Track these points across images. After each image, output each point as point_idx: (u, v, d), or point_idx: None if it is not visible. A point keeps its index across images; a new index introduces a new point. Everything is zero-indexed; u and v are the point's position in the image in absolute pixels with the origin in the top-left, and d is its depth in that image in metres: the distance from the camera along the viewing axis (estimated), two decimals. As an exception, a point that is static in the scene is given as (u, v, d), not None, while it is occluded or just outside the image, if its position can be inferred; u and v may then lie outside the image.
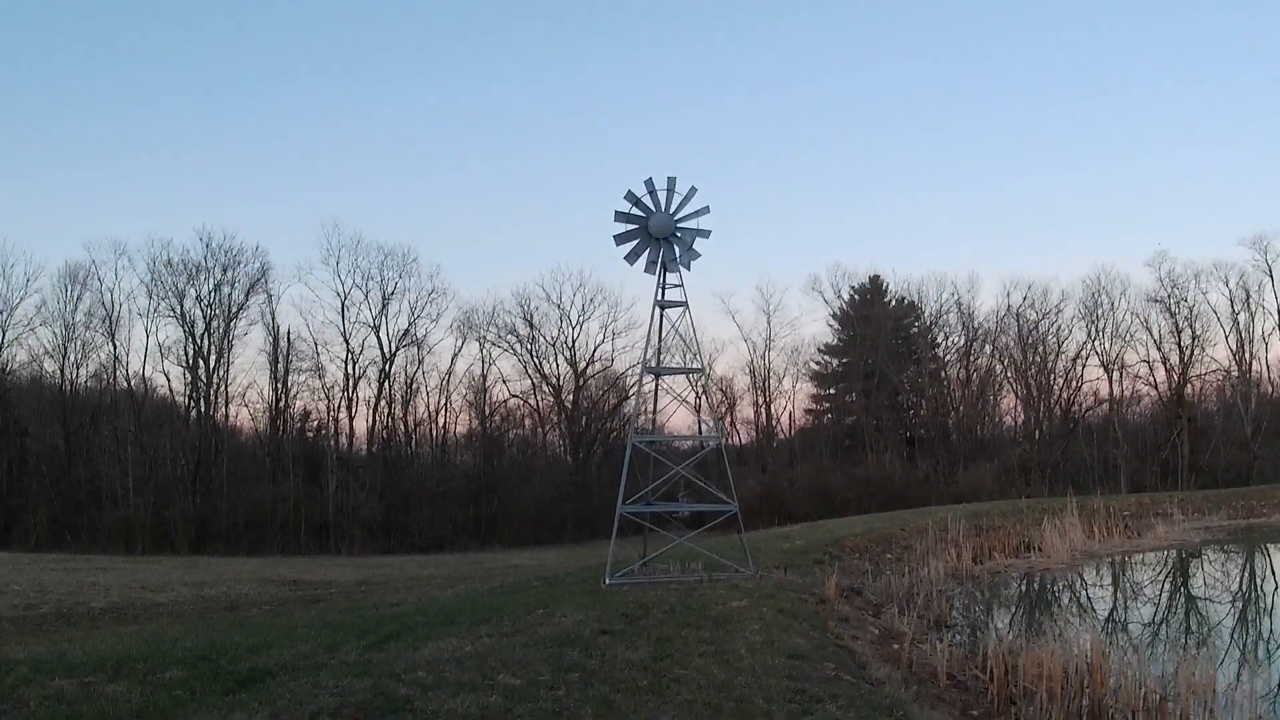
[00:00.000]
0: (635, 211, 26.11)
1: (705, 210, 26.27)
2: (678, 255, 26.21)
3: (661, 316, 26.66)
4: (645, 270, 26.19)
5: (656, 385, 28.48)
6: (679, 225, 26.12)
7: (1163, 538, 45.41)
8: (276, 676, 13.56)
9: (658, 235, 26.03)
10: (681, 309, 26.63)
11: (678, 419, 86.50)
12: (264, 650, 16.14)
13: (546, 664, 14.47)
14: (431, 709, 11.62)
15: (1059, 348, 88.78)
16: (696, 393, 76.14)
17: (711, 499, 27.83)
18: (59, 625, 23.33)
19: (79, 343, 77.67)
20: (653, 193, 26.10)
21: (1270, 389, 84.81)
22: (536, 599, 23.19)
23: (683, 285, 26.60)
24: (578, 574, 30.61)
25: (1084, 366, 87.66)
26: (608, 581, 25.17)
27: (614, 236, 26.23)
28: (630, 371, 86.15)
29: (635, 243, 26.21)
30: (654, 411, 28.85)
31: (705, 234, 26.35)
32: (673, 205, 26.06)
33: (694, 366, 27.76)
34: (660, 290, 26.44)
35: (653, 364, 27.02)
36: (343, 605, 26.92)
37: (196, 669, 14.23)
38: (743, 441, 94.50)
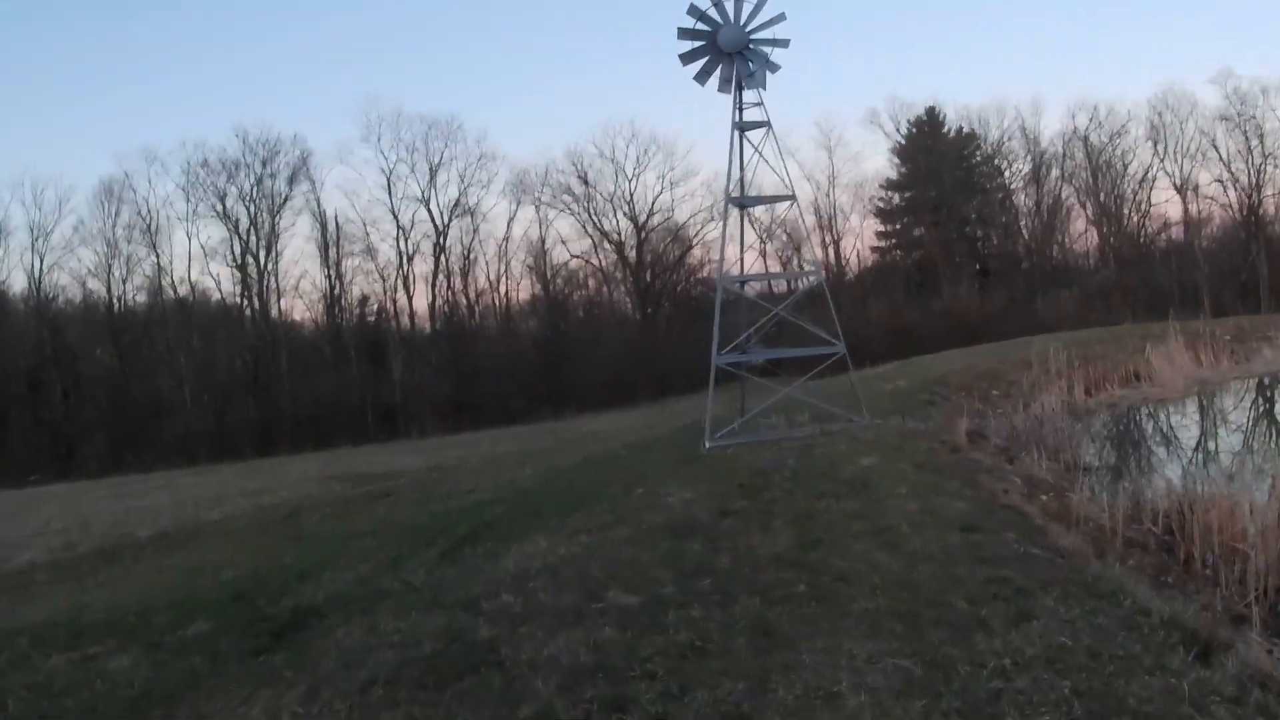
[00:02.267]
0: (701, 26, 22.95)
1: (781, 18, 23.03)
2: (753, 70, 22.93)
3: (741, 140, 23.43)
4: (719, 90, 23.23)
5: (743, 219, 25.08)
6: (752, 37, 22.91)
7: (1272, 361, 41.80)
8: (325, 618, 10.74)
9: (729, 50, 22.87)
10: (764, 130, 23.34)
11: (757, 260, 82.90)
12: (314, 576, 13.54)
13: (665, 567, 11.33)
14: (525, 658, 8.51)
15: (1124, 170, 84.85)
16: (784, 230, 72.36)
17: (814, 342, 24.60)
18: (98, 565, 20.68)
19: (123, 258, 75.19)
20: (719, 3, 22.95)
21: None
22: (630, 473, 20.21)
23: (763, 103, 23.45)
24: (667, 438, 27.70)
25: (1150, 189, 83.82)
26: (708, 445, 22.11)
27: (680, 56, 23.12)
28: (693, 221, 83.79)
29: (704, 60, 23.07)
30: (741, 249, 25.33)
31: (784, 43, 23.18)
32: (743, 16, 22.92)
33: (783, 195, 24.15)
34: (737, 111, 23.31)
35: (735, 194, 23.58)
36: (412, 498, 24.65)
37: (227, 617, 11.63)
38: (812, 283, 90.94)
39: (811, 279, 26.41)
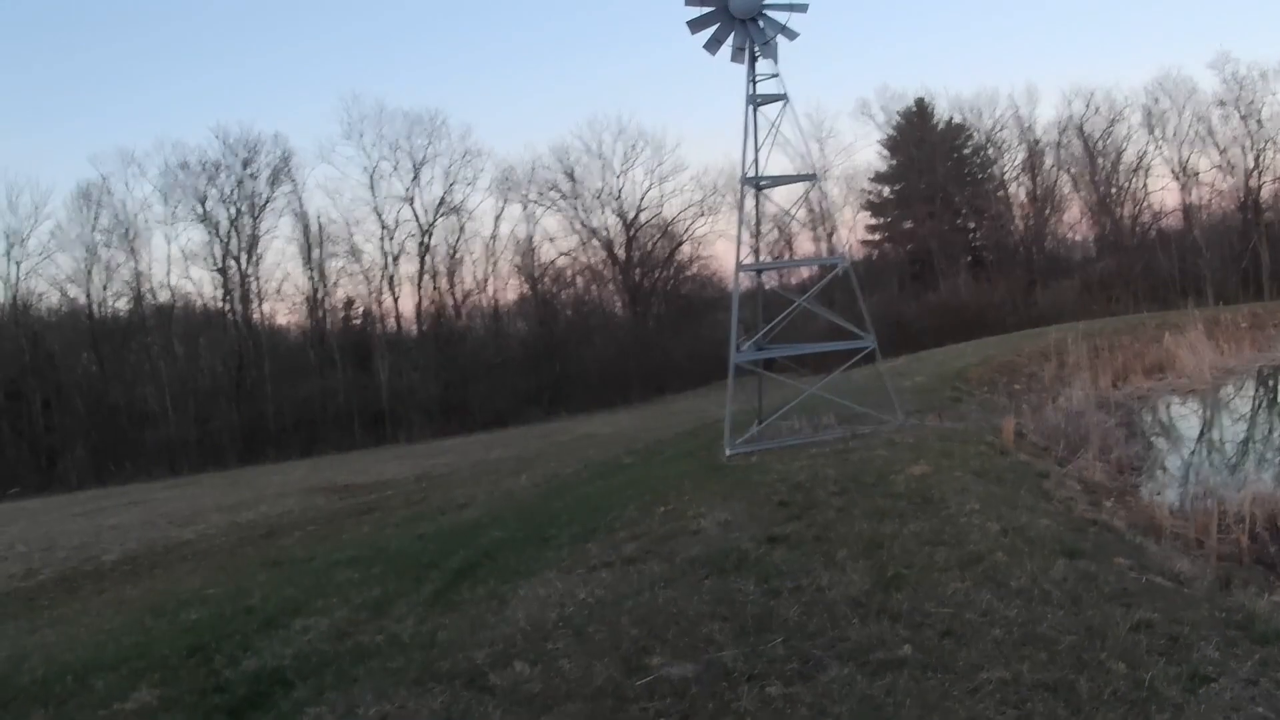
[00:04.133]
0: (711, -11, 20.67)
1: (797, -20, 20.74)
2: (768, 38, 20.70)
3: (755, 115, 21.12)
4: (732, 59, 20.86)
5: (759, 201, 22.73)
6: (766, 1, 20.67)
7: None
8: (291, 689, 8.59)
9: (741, 16, 20.56)
10: (781, 103, 21.08)
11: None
12: (284, 623, 11.44)
13: (717, 618, 9.08)
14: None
15: (1119, 156, 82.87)
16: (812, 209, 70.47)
17: (840, 335, 22.43)
18: (56, 597, 18.59)
19: (102, 264, 72.59)
20: (729, -36, 20.65)
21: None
22: (644, 486, 17.98)
23: (779, 75, 21.12)
24: (674, 442, 25.57)
25: (1147, 175, 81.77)
26: (729, 452, 19.86)
27: (688, 23, 20.72)
28: (682, 216, 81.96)
29: (715, 27, 20.70)
30: (757, 231, 22.94)
31: (801, 8, 20.85)
32: (756, -21, 20.66)
33: (804, 174, 21.92)
34: (751, 84, 21.01)
35: (751, 174, 21.31)
36: (400, 514, 22.66)
37: (179, 682, 9.56)
38: (805, 277, 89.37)
39: (838, 266, 23.73)
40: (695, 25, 20.63)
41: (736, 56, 20.77)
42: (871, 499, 13.75)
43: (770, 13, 20.67)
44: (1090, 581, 9.56)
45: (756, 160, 21.27)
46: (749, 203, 22.41)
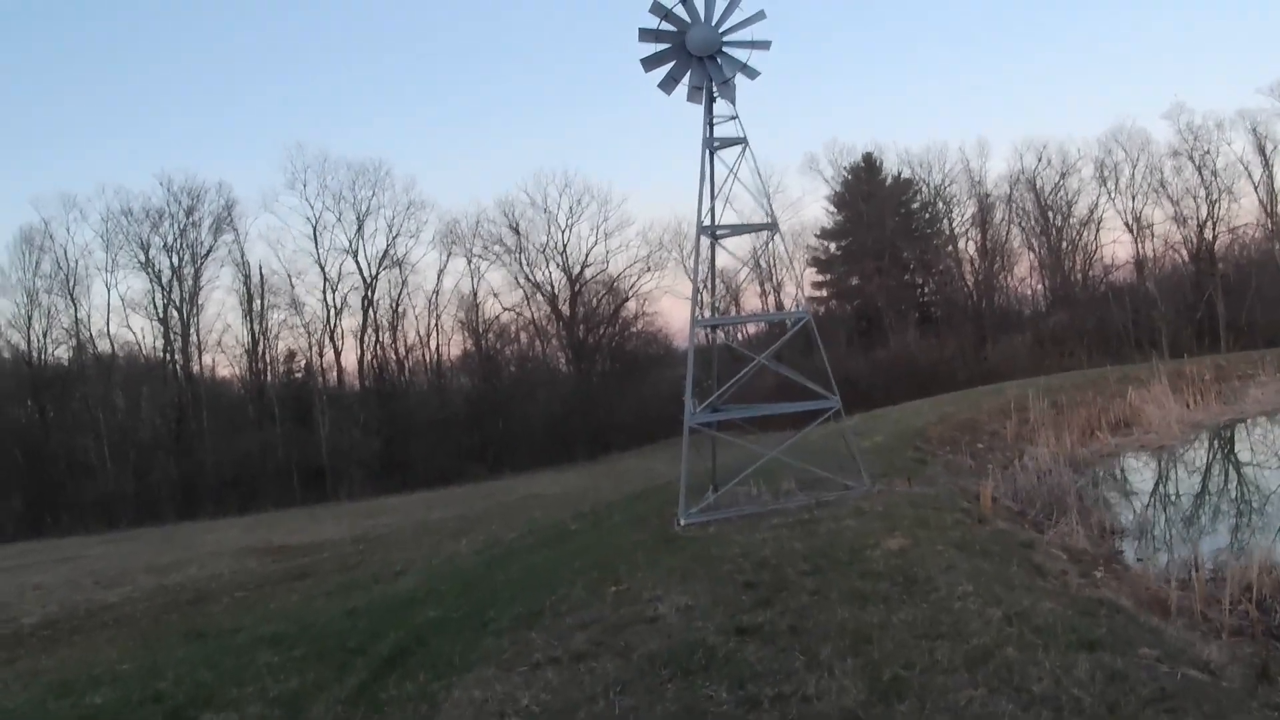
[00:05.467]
0: (666, 26, 19.41)
1: (760, 16, 19.56)
2: (727, 78, 19.54)
3: (712, 160, 19.86)
4: (688, 99, 19.71)
5: (714, 251, 21.37)
6: (725, 39, 19.53)
7: (1262, 401, 39.24)
8: None
9: (699, 53, 19.43)
10: (740, 148, 19.86)
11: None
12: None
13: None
14: None
15: (1070, 209, 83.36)
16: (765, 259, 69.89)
17: (793, 394, 21.11)
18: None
19: (43, 310, 71.46)
20: (686, 0, 19.40)
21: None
22: (592, 557, 16.57)
23: (738, 118, 19.90)
24: (622, 506, 24.11)
25: (1099, 228, 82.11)
26: (683, 521, 18.36)
27: (642, 60, 19.57)
28: (628, 272, 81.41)
29: (671, 65, 19.50)
30: (712, 285, 21.51)
31: (764, 45, 19.75)
32: (715, 14, 19.52)
33: (762, 223, 20.60)
34: (708, 126, 19.79)
35: (707, 222, 19.92)
36: (334, 580, 21.76)
37: None
38: (750, 333, 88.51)
39: (796, 320, 22.37)
40: (650, 63, 19.54)
41: (693, 96, 19.64)
42: (848, 579, 12.32)
43: (730, 50, 19.56)
44: (1121, 682, 8.23)
45: (714, 209, 19.97)
46: (705, 253, 21.10)
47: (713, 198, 19.96)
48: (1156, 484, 27.19)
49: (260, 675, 12.06)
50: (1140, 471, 29.06)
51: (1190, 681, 8.45)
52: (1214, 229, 76.78)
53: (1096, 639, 9.50)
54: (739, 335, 71.64)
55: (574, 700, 8.83)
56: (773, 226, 20.47)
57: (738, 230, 21.55)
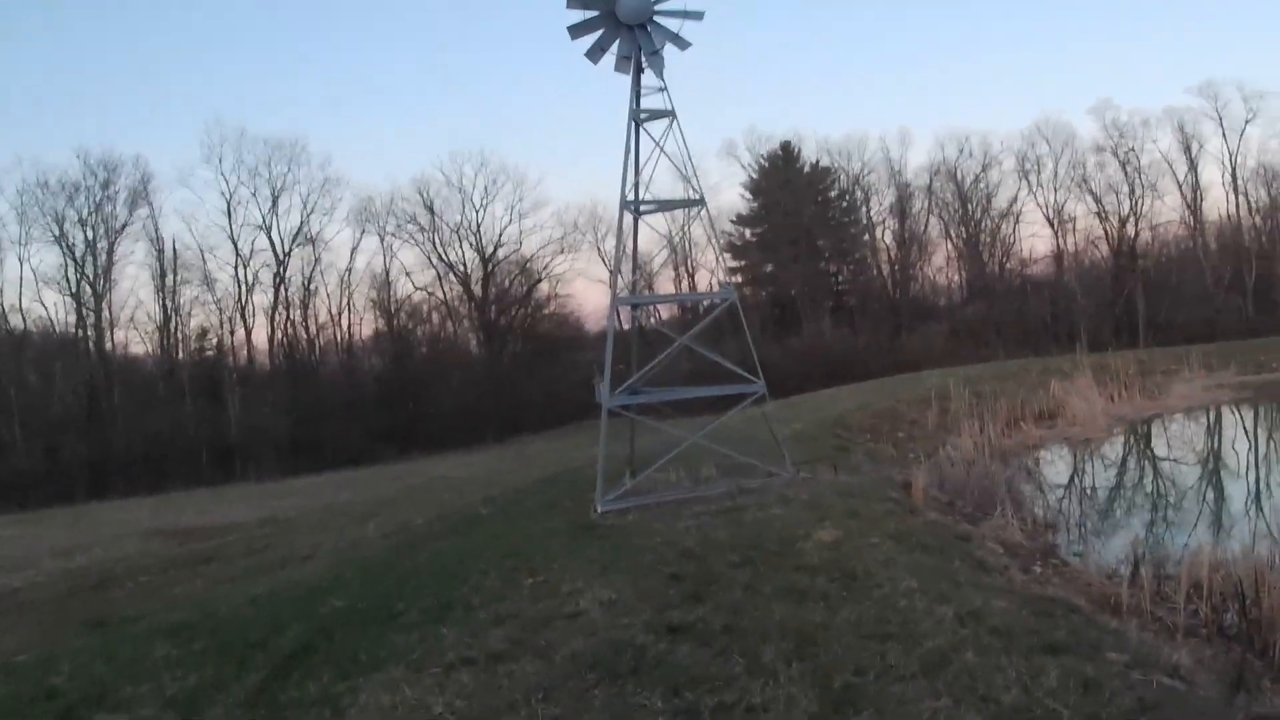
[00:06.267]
0: (595, -8, 18.53)
1: (692, -17, 18.69)
2: (657, 48, 18.69)
3: (638, 133, 18.98)
4: (616, 69, 18.91)
5: (636, 227, 20.47)
6: (656, 7, 18.71)
7: (1187, 397, 40.12)
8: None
9: (629, 21, 18.57)
10: (667, 121, 18.97)
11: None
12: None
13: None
14: None
15: (989, 201, 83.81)
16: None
17: (712, 378, 20.44)
18: None
19: (-48, 282, 68.65)
20: (618, -34, 18.52)
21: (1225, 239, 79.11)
22: (506, 545, 15.61)
23: (666, 90, 19.03)
24: (535, 491, 23.16)
25: (1018, 221, 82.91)
26: (600, 508, 17.51)
27: (569, 28, 18.70)
28: (542, 253, 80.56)
29: (600, 34, 18.65)
30: (635, 264, 20.60)
31: (697, 15, 18.90)
32: (645, -19, 18.57)
33: (689, 199, 19.76)
34: (635, 98, 18.88)
35: (631, 197, 19.03)
36: (240, 564, 20.66)
37: None
38: (663, 318, 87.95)
39: (721, 300, 21.56)
40: (577, 30, 18.68)
41: (621, 66, 18.81)
42: (782, 573, 11.58)
43: (661, 19, 18.74)
44: (1097, 692, 7.61)
45: (638, 184, 19.08)
46: (628, 229, 20.20)
47: (637, 172, 19.04)
48: (1077, 476, 27.16)
49: (158, 671, 11.20)
50: (1065, 463, 29.00)
51: (1167, 691, 7.85)
52: (1136, 225, 77.53)
53: (1058, 642, 8.88)
54: (652, 319, 71.14)
55: (492, 707, 7.98)
56: (700, 202, 19.60)
57: (663, 206, 20.65)
